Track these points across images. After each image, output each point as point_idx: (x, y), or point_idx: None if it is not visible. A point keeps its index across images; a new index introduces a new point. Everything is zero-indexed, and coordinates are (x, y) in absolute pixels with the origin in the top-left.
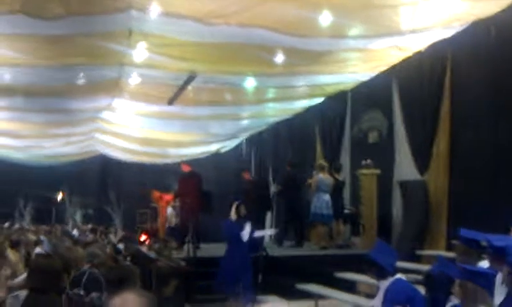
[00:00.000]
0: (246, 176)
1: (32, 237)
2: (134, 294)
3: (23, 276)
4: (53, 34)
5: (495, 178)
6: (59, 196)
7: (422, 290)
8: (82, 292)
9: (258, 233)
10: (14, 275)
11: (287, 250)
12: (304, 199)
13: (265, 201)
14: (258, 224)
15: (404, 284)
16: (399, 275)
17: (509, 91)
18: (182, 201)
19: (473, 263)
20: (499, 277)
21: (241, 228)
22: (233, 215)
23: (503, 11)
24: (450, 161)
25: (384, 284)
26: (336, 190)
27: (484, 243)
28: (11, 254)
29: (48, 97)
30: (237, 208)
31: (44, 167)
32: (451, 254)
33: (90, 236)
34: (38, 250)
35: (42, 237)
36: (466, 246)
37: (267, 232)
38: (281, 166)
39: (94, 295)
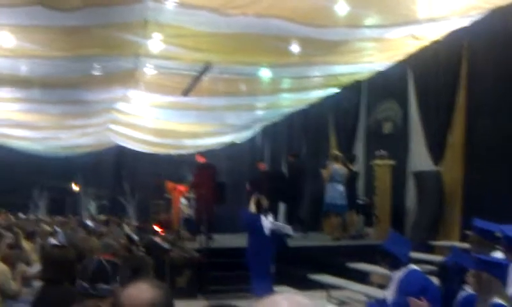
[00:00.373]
0: (261, 166)
1: (47, 228)
2: (147, 284)
3: (37, 267)
4: (70, 26)
5: (510, 168)
6: (74, 187)
7: (435, 280)
8: (86, 284)
9: (274, 225)
10: (28, 266)
11: (300, 240)
12: (309, 189)
13: (280, 192)
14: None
15: (417, 274)
16: (412, 266)
17: None
18: (197, 192)
19: (487, 254)
20: None
21: (260, 220)
22: (252, 208)
23: None
24: (465, 151)
25: (398, 275)
26: (350, 181)
27: (498, 233)
28: (26, 245)
29: (64, 88)
30: (258, 201)
31: (60, 158)
32: (465, 245)
33: (104, 227)
34: (52, 241)
35: (57, 228)
36: (480, 237)
37: (284, 228)
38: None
39: (101, 286)
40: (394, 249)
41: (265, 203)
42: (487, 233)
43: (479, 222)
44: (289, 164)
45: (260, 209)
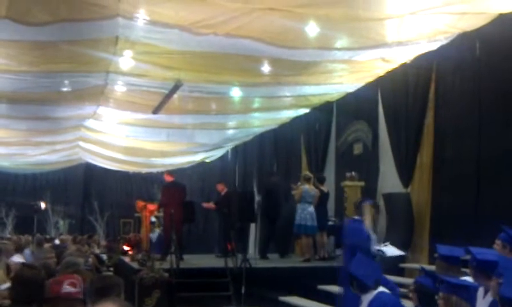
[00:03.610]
0: (220, 188)
1: (13, 247)
2: (112, 304)
3: (5, 286)
4: (39, 41)
5: (478, 190)
6: (42, 205)
7: (405, 302)
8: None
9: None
10: None
11: (271, 262)
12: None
13: (249, 212)
14: (243, 236)
15: (386, 297)
16: (382, 289)
17: (492, 104)
18: (165, 212)
19: (456, 277)
20: (481, 291)
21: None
22: (368, 219)
23: (487, 24)
24: (433, 173)
25: (367, 297)
26: (321, 202)
27: (463, 257)
28: None
29: (33, 104)
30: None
31: (28, 175)
32: (433, 268)
33: (73, 246)
34: (19, 260)
35: (24, 247)
36: (445, 262)
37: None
38: (265, 176)
39: None
40: (360, 272)
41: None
42: (451, 259)
43: (442, 249)
44: (268, 184)
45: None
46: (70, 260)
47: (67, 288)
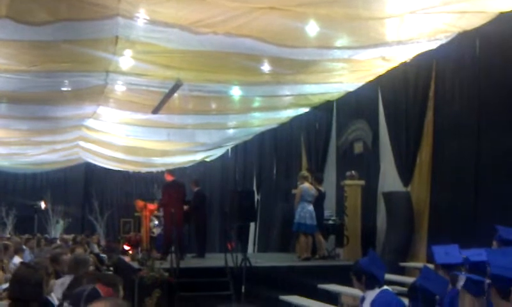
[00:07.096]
0: (193, 186)
1: (12, 246)
2: (104, 303)
3: (4, 286)
4: (39, 40)
5: (477, 189)
6: (43, 205)
7: (406, 301)
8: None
9: None
10: None
11: (269, 261)
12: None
13: (249, 211)
14: (242, 235)
15: (389, 295)
16: (385, 287)
17: (491, 103)
18: (166, 211)
19: (455, 278)
20: None
21: None
22: None
23: (487, 23)
24: (433, 172)
25: (371, 295)
26: (318, 201)
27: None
28: None
29: (33, 104)
30: None
31: (28, 174)
32: (432, 266)
33: (72, 246)
34: (18, 259)
35: (23, 246)
36: (444, 269)
37: None
38: (266, 176)
39: None
40: (373, 268)
41: None
42: (450, 267)
43: (436, 249)
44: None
45: None
46: (79, 257)
47: None
